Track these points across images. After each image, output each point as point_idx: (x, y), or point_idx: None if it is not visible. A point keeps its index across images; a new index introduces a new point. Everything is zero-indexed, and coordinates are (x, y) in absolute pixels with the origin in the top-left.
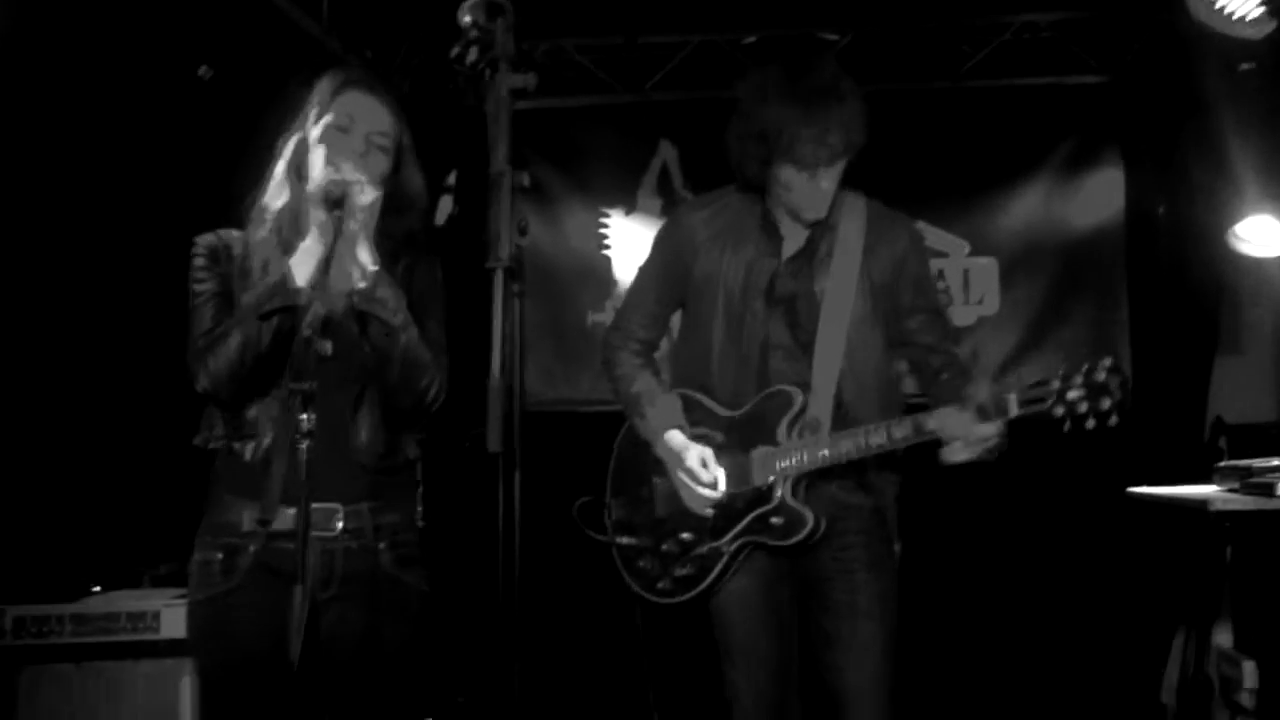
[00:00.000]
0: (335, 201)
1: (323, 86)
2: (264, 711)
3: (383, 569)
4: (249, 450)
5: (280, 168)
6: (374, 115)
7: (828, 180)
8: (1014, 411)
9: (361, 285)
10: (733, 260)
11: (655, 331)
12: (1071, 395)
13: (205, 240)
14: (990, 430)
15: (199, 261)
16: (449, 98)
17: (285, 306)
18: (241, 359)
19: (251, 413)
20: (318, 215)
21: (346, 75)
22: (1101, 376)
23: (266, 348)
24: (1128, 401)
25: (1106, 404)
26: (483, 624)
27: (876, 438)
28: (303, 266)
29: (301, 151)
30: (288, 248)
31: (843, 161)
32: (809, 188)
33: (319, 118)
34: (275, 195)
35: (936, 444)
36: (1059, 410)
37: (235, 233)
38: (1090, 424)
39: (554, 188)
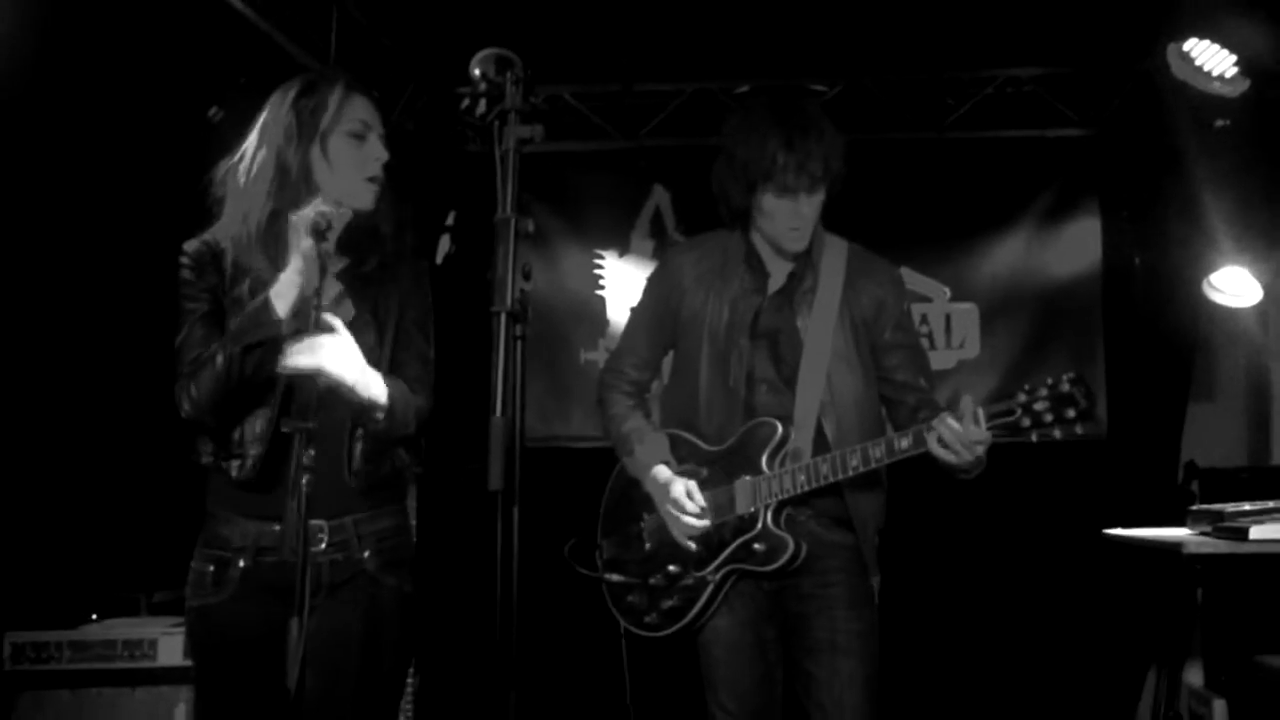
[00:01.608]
0: (322, 233)
1: (333, 93)
2: (254, 711)
3: (366, 572)
4: (235, 468)
5: (267, 169)
6: (377, 117)
7: (808, 208)
8: (982, 424)
9: (381, 418)
10: (718, 298)
11: (647, 373)
12: (1037, 407)
13: (192, 249)
14: (986, 435)
15: (186, 275)
16: (451, 140)
17: (268, 339)
18: (225, 388)
19: (237, 433)
20: (304, 244)
21: (346, 79)
22: (1065, 388)
23: (249, 377)
24: (1093, 412)
25: (1071, 413)
26: (481, 653)
27: (853, 459)
28: (284, 298)
29: (302, 158)
30: (274, 262)
31: (822, 191)
32: (790, 215)
33: (330, 126)
34: (260, 199)
35: (921, 469)
36: (1025, 421)
37: (222, 234)
38: (1057, 433)
39: (551, 230)
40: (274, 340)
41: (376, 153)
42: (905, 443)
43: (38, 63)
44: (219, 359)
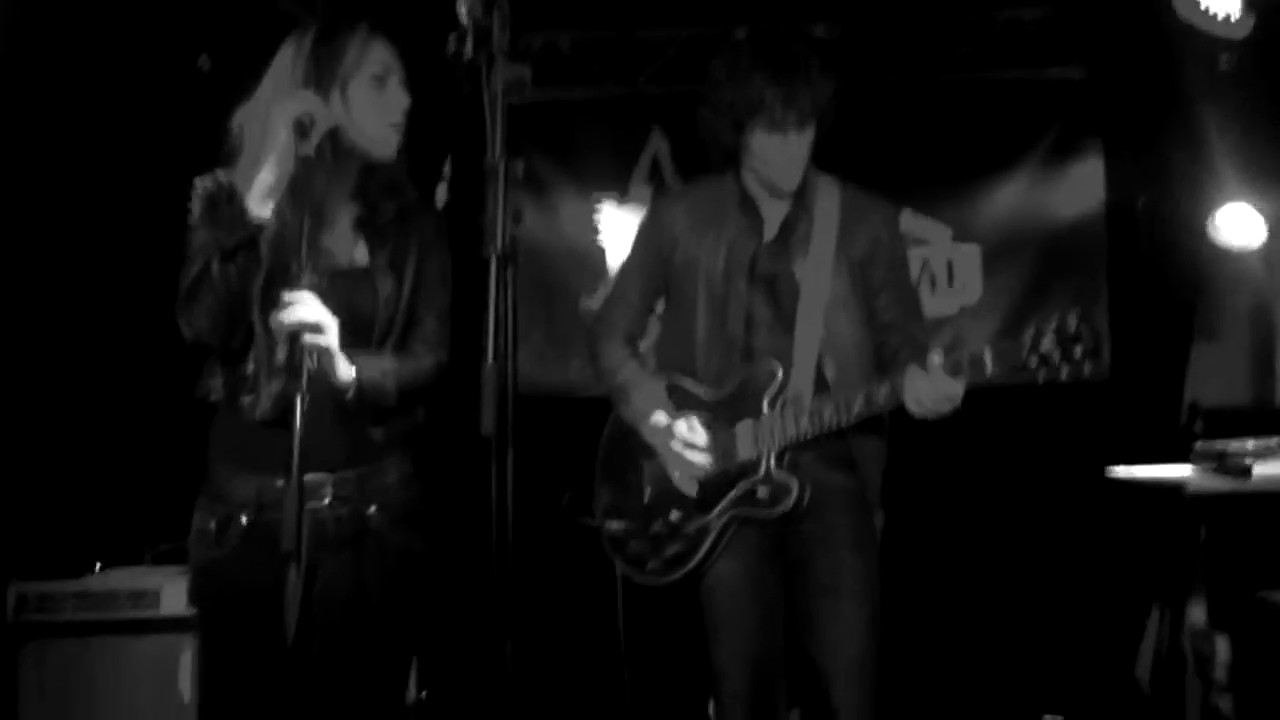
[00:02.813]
0: (305, 129)
1: (353, 38)
2: (258, 672)
3: (371, 529)
4: (250, 405)
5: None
6: (397, 61)
7: (799, 145)
8: (989, 365)
9: (349, 396)
10: (714, 244)
11: (638, 323)
12: (1044, 347)
13: (203, 185)
14: (959, 389)
15: (196, 209)
16: (445, 87)
17: (246, 240)
18: (216, 303)
19: (250, 365)
20: (280, 138)
21: (367, 22)
22: (1073, 327)
23: (237, 286)
24: (1101, 351)
25: (1079, 353)
26: (477, 602)
27: (857, 402)
28: (259, 197)
29: (320, 107)
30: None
31: (812, 127)
32: (781, 152)
33: (351, 72)
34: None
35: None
36: (1033, 361)
37: (240, 179)
38: (1065, 373)
39: (548, 177)
40: (253, 242)
41: (398, 98)
42: (881, 393)
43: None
44: (206, 275)
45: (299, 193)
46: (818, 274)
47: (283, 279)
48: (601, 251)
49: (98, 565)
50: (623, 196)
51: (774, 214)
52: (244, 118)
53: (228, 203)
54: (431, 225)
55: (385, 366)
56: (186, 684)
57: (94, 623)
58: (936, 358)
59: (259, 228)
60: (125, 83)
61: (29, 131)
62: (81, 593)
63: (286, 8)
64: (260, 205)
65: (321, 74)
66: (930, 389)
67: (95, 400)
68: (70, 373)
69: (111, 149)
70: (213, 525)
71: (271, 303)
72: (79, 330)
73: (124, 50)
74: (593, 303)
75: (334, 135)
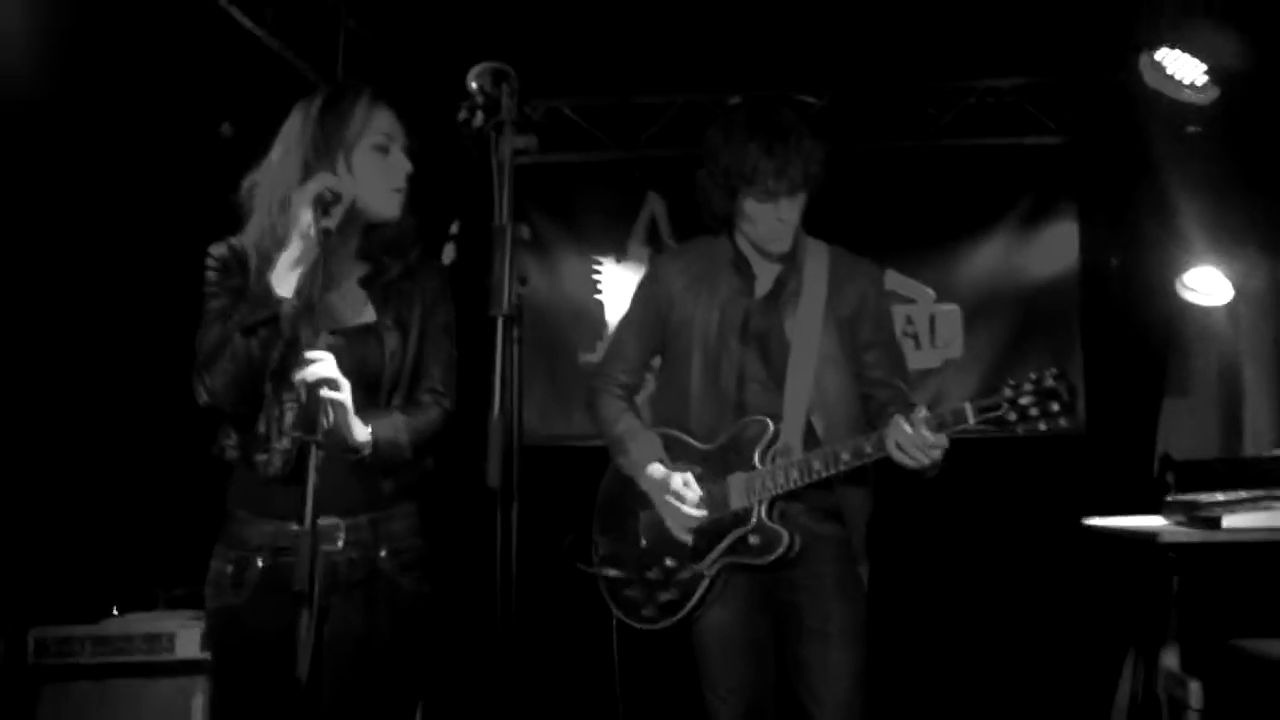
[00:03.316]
0: (325, 206)
1: (358, 106)
2: (270, 713)
3: (382, 573)
4: (264, 465)
5: (292, 182)
6: (400, 128)
7: (789, 211)
8: (971, 418)
9: (366, 455)
10: (708, 303)
11: (636, 377)
12: (1023, 401)
13: (217, 251)
14: (942, 442)
15: (210, 275)
16: (454, 153)
17: (268, 318)
18: (236, 373)
19: (263, 427)
20: (302, 220)
21: (371, 91)
22: (1049, 382)
23: (258, 360)
24: (1075, 405)
25: (1056, 407)
26: (480, 644)
27: (844, 454)
28: (284, 278)
29: (329, 171)
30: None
31: (803, 195)
32: (772, 218)
33: (355, 139)
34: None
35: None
36: (1012, 415)
37: (248, 241)
38: (1042, 426)
39: (550, 237)
40: (275, 319)
41: (401, 164)
42: (868, 446)
43: (54, 76)
44: (226, 347)
45: (317, 261)
46: (807, 332)
47: (297, 347)
48: (600, 308)
49: (114, 610)
50: (621, 256)
51: (766, 274)
52: (254, 179)
53: (240, 270)
54: (435, 280)
55: (398, 423)
56: None
57: (110, 665)
58: (922, 412)
59: (280, 303)
60: (151, 149)
61: (56, 194)
62: (99, 637)
63: (311, 78)
64: (284, 284)
65: (329, 140)
66: (913, 439)
67: (111, 450)
68: (86, 423)
69: (137, 213)
70: (229, 569)
71: (283, 369)
72: (97, 382)
73: (149, 116)
74: (592, 357)
75: None
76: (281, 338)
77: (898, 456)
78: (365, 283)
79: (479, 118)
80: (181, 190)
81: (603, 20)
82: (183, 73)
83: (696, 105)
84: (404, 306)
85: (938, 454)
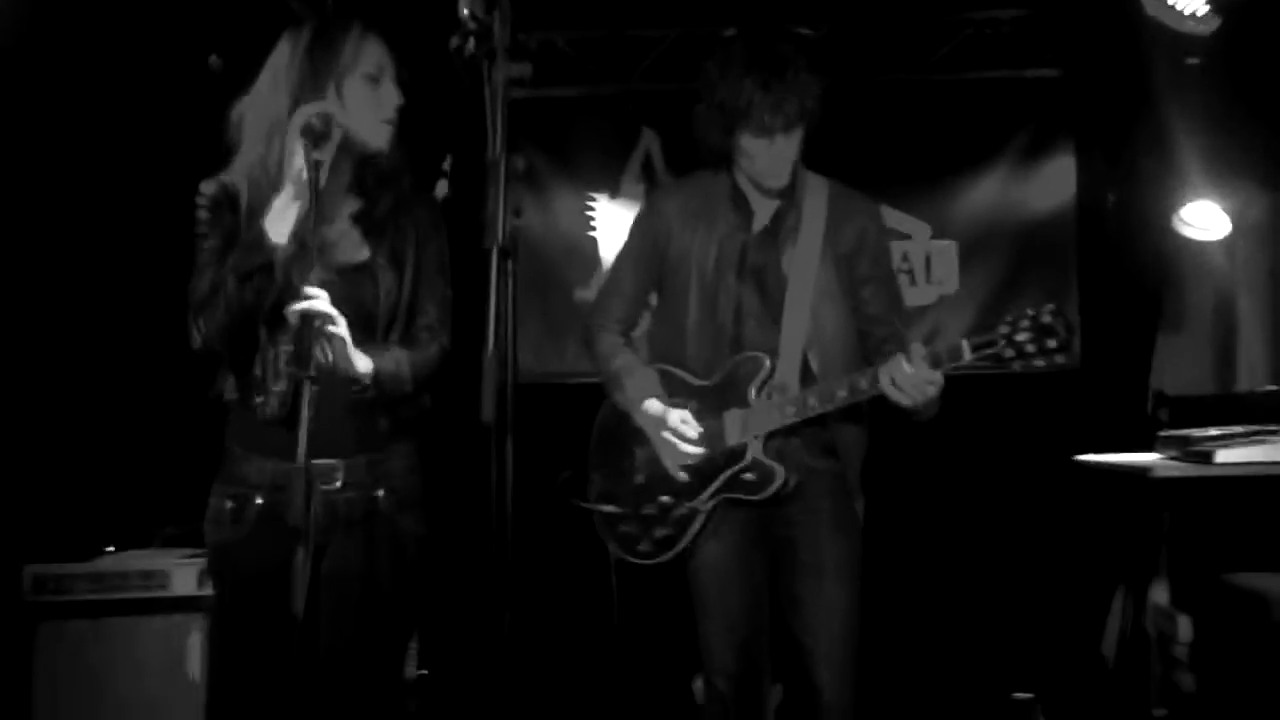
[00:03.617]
0: (316, 136)
1: (349, 37)
2: (269, 646)
3: (380, 512)
4: (261, 407)
5: (281, 114)
6: (390, 60)
7: (786, 147)
8: (967, 355)
9: (368, 388)
10: (705, 238)
11: (633, 312)
12: (1020, 337)
13: (208, 190)
14: (938, 378)
15: (201, 214)
16: (446, 86)
17: (263, 264)
18: (231, 319)
19: (259, 369)
20: (295, 164)
21: (361, 23)
22: (1046, 319)
23: (250, 305)
24: (1072, 342)
25: (1053, 343)
26: (476, 582)
27: (840, 390)
28: (279, 222)
29: (319, 114)
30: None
31: (799, 130)
32: (768, 154)
33: (346, 70)
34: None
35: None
36: (1009, 352)
37: (238, 175)
38: (1039, 363)
39: (543, 173)
40: (269, 265)
41: (391, 96)
42: (864, 382)
43: (38, 12)
44: (221, 290)
45: (311, 201)
46: (805, 267)
47: (292, 289)
48: (594, 245)
49: (109, 548)
50: (615, 192)
51: (764, 209)
52: (242, 110)
53: (231, 208)
54: (428, 214)
55: (399, 356)
56: (195, 661)
57: (106, 602)
58: (919, 348)
59: (275, 249)
60: (136, 82)
61: (45, 131)
62: (95, 574)
63: (297, 8)
64: (278, 228)
65: (318, 72)
66: (911, 377)
67: (105, 391)
68: (81, 365)
69: (127, 150)
70: (229, 506)
71: (279, 312)
72: (91, 323)
73: (134, 50)
74: (586, 294)
75: None
76: (276, 283)
77: (894, 395)
78: (359, 218)
79: (471, 45)
80: (171, 125)
81: None
82: (169, 4)
83: (692, 37)
84: (398, 242)
85: (934, 391)
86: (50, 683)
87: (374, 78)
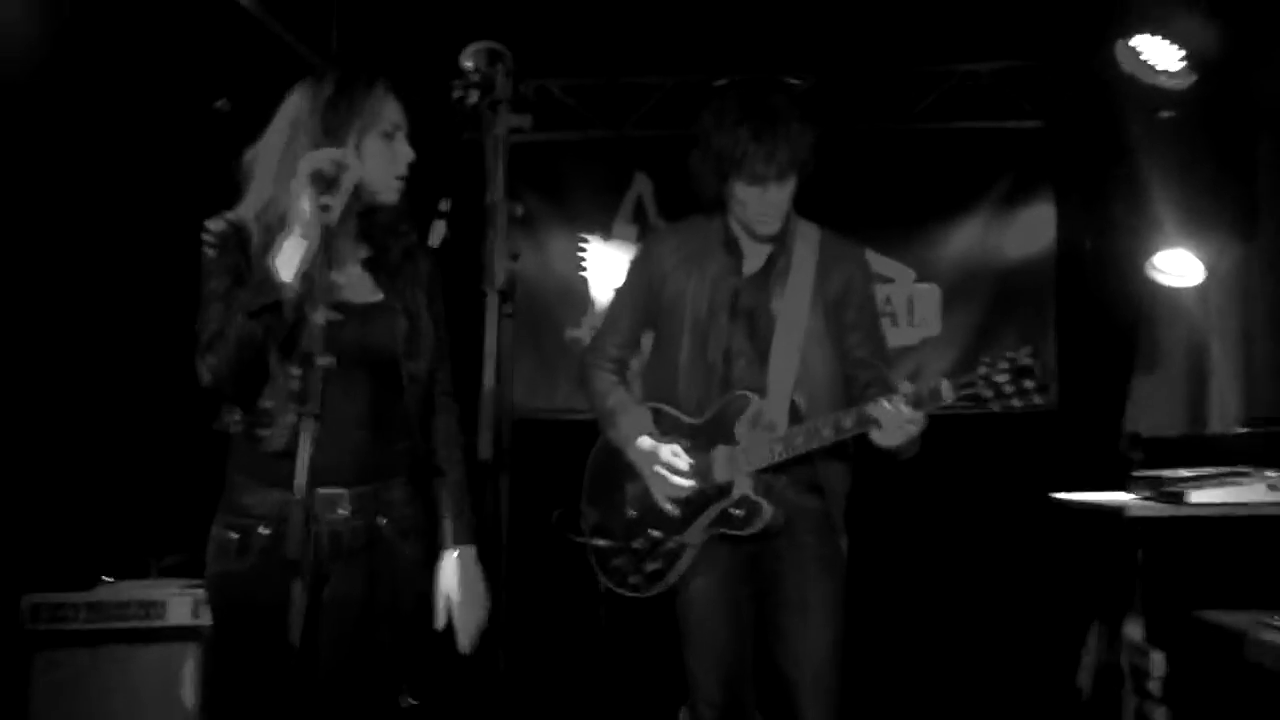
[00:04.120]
0: (326, 181)
1: (372, 94)
2: (265, 677)
3: (383, 539)
4: (268, 439)
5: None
6: (404, 117)
7: (778, 195)
8: (948, 395)
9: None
10: (699, 280)
11: (628, 351)
12: (998, 378)
13: (215, 227)
14: (919, 418)
15: (209, 252)
16: (445, 131)
17: (271, 304)
18: (239, 355)
19: (267, 403)
20: (303, 205)
21: (384, 82)
22: (1024, 361)
23: (260, 343)
24: (1049, 383)
25: (1030, 384)
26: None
27: (825, 429)
28: (287, 262)
29: (333, 160)
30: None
31: (792, 179)
32: (761, 201)
33: (366, 127)
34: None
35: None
36: (987, 392)
37: (247, 213)
38: (1017, 403)
39: (538, 214)
40: (278, 304)
41: (405, 153)
42: (849, 421)
43: (52, 54)
44: (229, 330)
45: (320, 242)
46: (794, 310)
47: (303, 327)
48: (586, 285)
49: (107, 578)
50: (607, 234)
51: (755, 254)
52: (257, 152)
53: (239, 246)
54: (429, 268)
55: (463, 506)
56: (189, 690)
57: (104, 631)
58: (908, 386)
59: (283, 287)
60: (148, 123)
61: (53, 166)
62: (92, 603)
63: (304, 55)
64: (286, 268)
65: (339, 125)
66: (894, 417)
67: (104, 422)
68: (80, 397)
69: (136, 187)
70: (234, 537)
71: (288, 348)
72: (91, 355)
73: (147, 92)
74: (578, 333)
75: None
76: (285, 322)
77: (876, 436)
78: (369, 264)
79: (473, 96)
80: (179, 165)
81: (592, 1)
82: (178, 49)
83: (685, 86)
84: (407, 289)
85: (914, 430)
86: (48, 710)
87: (390, 134)
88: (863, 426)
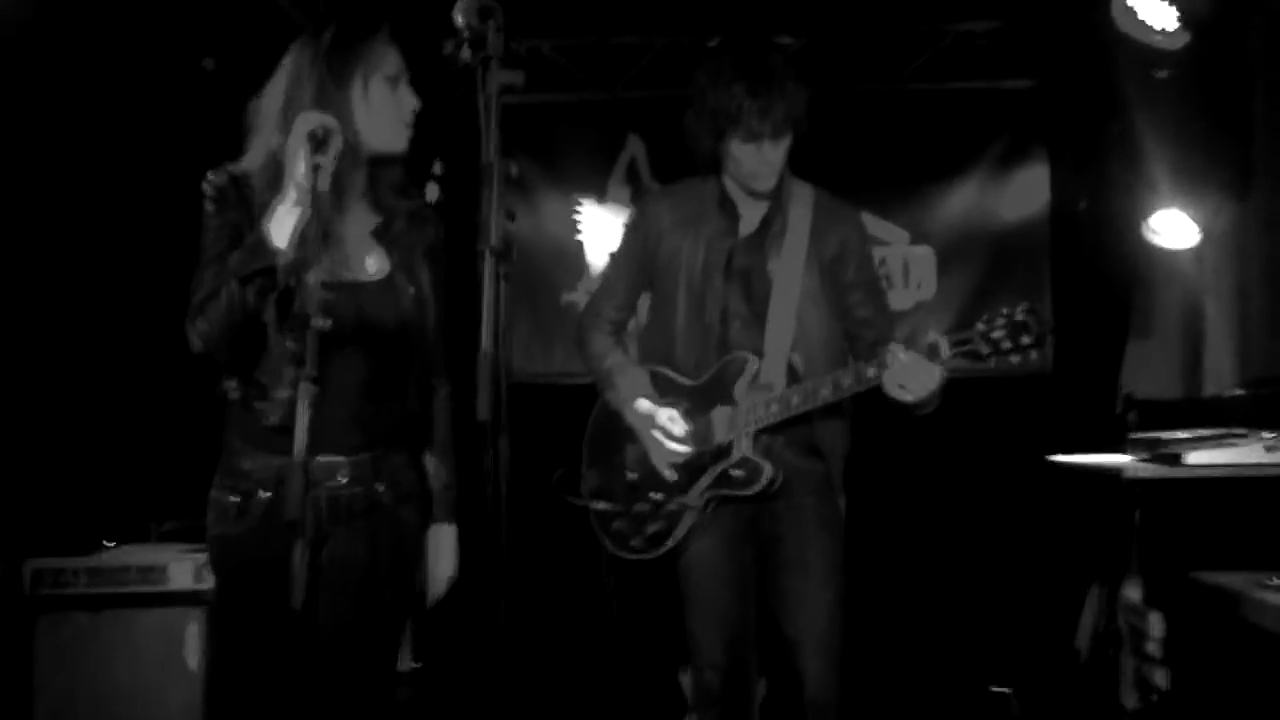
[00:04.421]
0: (319, 142)
1: (375, 38)
2: (267, 636)
3: (382, 504)
4: (266, 413)
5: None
6: (404, 66)
7: (773, 153)
8: (945, 352)
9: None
10: (694, 241)
11: (625, 313)
12: (995, 335)
13: (217, 180)
14: (936, 370)
15: (208, 208)
16: (437, 91)
17: (264, 269)
18: (230, 321)
19: (262, 376)
20: (297, 169)
21: (387, 27)
22: (1021, 316)
23: (252, 308)
24: (1046, 338)
25: (1026, 340)
26: (472, 575)
27: (824, 389)
28: (280, 226)
29: (343, 102)
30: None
31: (787, 136)
32: (756, 159)
33: (371, 71)
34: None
35: (881, 398)
36: (985, 349)
37: (250, 165)
38: (1014, 359)
39: (532, 177)
40: (271, 270)
41: (409, 100)
42: (872, 371)
43: (37, 12)
44: (221, 294)
45: (316, 207)
46: (790, 271)
47: (301, 294)
48: (581, 248)
49: (108, 543)
50: (601, 196)
51: (751, 213)
52: (256, 107)
53: (239, 201)
54: (433, 235)
55: (450, 481)
56: (192, 653)
57: (105, 596)
58: (896, 348)
59: (276, 254)
60: (136, 83)
61: (47, 130)
62: (94, 568)
63: (289, 12)
64: (279, 233)
65: (342, 73)
66: (910, 369)
67: (105, 388)
68: (80, 364)
69: (129, 147)
70: (234, 500)
71: (282, 316)
72: (90, 323)
73: (133, 52)
74: (574, 296)
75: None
76: (277, 288)
77: (896, 392)
78: (376, 234)
79: (465, 52)
80: (169, 124)
81: None
82: (163, 7)
83: (676, 47)
84: (412, 260)
85: (934, 384)
86: (51, 674)
87: (394, 80)
88: (861, 385)
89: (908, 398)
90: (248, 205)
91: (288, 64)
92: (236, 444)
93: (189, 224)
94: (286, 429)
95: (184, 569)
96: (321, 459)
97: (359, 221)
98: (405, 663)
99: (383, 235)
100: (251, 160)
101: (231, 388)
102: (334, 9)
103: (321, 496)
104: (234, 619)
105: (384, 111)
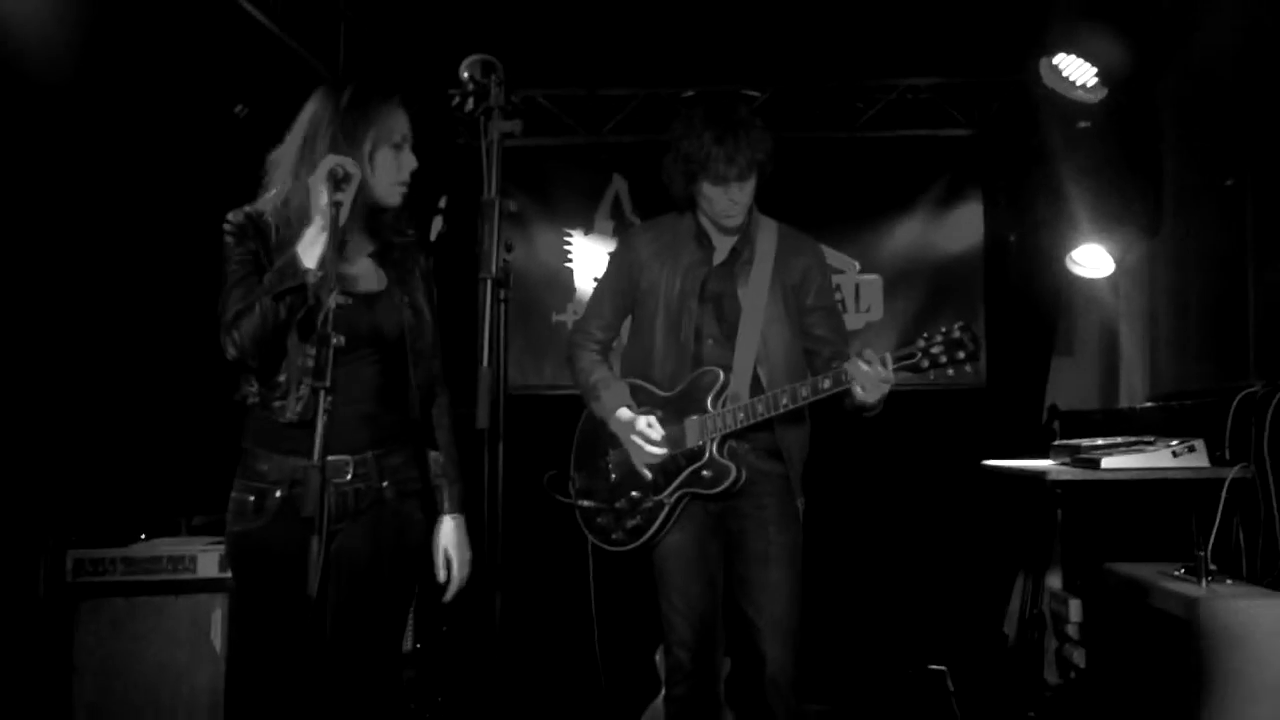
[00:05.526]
0: (338, 181)
1: (385, 109)
2: (283, 623)
3: (386, 501)
4: (282, 411)
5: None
6: (410, 128)
7: (740, 193)
8: (890, 365)
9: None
10: (672, 270)
11: (610, 333)
12: (934, 350)
13: (235, 218)
14: (891, 376)
15: (228, 240)
16: (442, 134)
17: (296, 287)
18: (263, 332)
19: (281, 377)
20: (321, 200)
21: (398, 96)
22: (956, 334)
23: (284, 321)
24: (979, 353)
25: (962, 354)
26: (473, 562)
27: (784, 398)
28: (309, 249)
29: (352, 164)
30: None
31: (752, 179)
32: (725, 199)
33: (379, 139)
34: (304, 189)
35: (837, 409)
36: (925, 362)
37: (266, 207)
38: (950, 371)
39: (526, 211)
40: (303, 287)
41: (410, 162)
42: (827, 383)
43: (83, 62)
44: (256, 307)
45: (333, 232)
46: (757, 296)
47: (320, 308)
48: (570, 274)
49: (142, 535)
50: (588, 229)
51: (722, 245)
52: (279, 155)
53: (256, 235)
54: (425, 263)
55: (456, 475)
56: (218, 637)
57: (140, 583)
58: (871, 354)
59: (307, 273)
60: (173, 126)
61: (99, 164)
62: (129, 558)
63: (315, 66)
64: (309, 255)
65: (354, 134)
66: (871, 375)
67: (140, 395)
68: (119, 374)
69: (164, 184)
70: (251, 499)
71: (306, 327)
72: (130, 338)
73: (171, 98)
74: (563, 317)
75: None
76: (307, 304)
77: (858, 394)
78: (375, 258)
79: (470, 103)
80: (204, 163)
81: (574, 19)
82: (199, 59)
83: (656, 97)
84: (408, 281)
85: (886, 389)
86: (91, 654)
87: (398, 145)
88: (817, 395)
89: (868, 399)
90: (264, 238)
91: (305, 117)
92: (253, 449)
93: (217, 253)
94: (300, 426)
95: (211, 559)
96: (331, 458)
97: (359, 247)
98: (408, 645)
99: (380, 259)
100: (267, 202)
101: (251, 393)
102: (353, 68)
103: (331, 493)
104: (252, 606)
105: (386, 174)
